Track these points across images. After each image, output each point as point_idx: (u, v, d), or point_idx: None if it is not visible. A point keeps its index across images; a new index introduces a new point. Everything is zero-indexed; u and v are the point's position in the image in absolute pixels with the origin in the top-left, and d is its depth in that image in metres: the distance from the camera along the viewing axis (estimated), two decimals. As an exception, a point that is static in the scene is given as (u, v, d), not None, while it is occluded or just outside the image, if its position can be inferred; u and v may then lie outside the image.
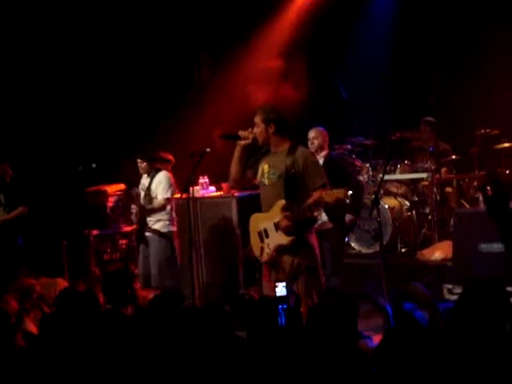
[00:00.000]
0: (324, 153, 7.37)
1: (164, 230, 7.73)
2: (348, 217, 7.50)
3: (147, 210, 7.74)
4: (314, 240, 5.86)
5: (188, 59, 10.78)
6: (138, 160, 7.89)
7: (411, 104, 9.97)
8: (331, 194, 5.60)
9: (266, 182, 5.88)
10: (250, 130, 5.86)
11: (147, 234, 7.75)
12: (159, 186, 7.73)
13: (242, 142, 5.87)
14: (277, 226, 5.75)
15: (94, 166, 8.76)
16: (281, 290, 4.42)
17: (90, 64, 10.03)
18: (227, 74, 10.26)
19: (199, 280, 7.48)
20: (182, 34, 10.46)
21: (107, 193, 9.28)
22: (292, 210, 5.69)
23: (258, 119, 5.84)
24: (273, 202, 5.78)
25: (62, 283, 7.31)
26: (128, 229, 9.10)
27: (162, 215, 7.75)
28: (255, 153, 6.07)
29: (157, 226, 7.72)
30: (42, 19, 9.65)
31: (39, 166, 9.58)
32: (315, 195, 5.69)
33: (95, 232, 9.13)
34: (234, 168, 6.00)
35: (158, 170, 7.83)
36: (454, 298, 6.78)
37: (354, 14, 10.38)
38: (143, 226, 7.77)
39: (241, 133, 5.87)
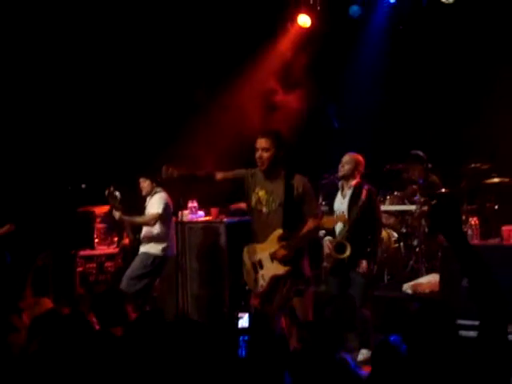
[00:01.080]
0: (353, 182, 6.86)
1: (151, 250, 7.67)
2: (364, 264, 6.73)
3: (136, 223, 7.71)
4: (306, 265, 5.87)
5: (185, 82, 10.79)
6: (141, 179, 7.83)
7: (404, 135, 10.03)
8: (331, 220, 5.59)
9: (264, 209, 5.84)
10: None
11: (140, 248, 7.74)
12: (154, 202, 7.71)
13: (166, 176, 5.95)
14: (273, 257, 5.74)
15: (83, 186, 8.75)
16: (244, 321, 4.39)
17: (85, 84, 10.04)
18: (223, 100, 10.28)
19: (184, 305, 7.44)
20: (181, 58, 10.47)
21: (95, 214, 9.26)
22: (288, 240, 5.68)
23: (268, 143, 5.77)
24: (271, 231, 5.76)
25: (47, 303, 7.26)
26: (115, 250, 9.07)
27: (154, 235, 7.69)
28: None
29: (148, 247, 7.69)
30: (44, 35, 9.67)
31: (29, 184, 9.55)
32: (310, 223, 5.69)
33: (82, 252, 9.09)
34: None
35: (158, 192, 7.80)
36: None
37: (347, 47, 10.43)
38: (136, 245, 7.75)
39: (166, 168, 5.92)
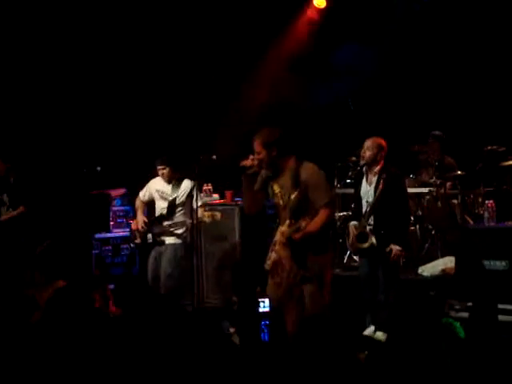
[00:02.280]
0: (378, 167, 6.73)
1: (180, 239, 7.68)
2: (396, 248, 6.62)
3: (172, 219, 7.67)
4: (314, 261, 5.75)
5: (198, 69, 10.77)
6: (160, 166, 7.75)
7: (419, 117, 9.97)
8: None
9: (281, 202, 5.86)
10: (251, 157, 5.82)
11: (165, 239, 7.69)
12: (185, 195, 7.67)
13: (249, 172, 5.85)
14: (279, 237, 5.81)
15: (98, 169, 8.76)
16: (264, 305, 4.38)
17: (99, 67, 10.05)
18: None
19: (199, 286, 7.46)
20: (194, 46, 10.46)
21: (111, 196, 9.28)
22: (291, 228, 5.71)
23: (258, 146, 5.78)
24: (285, 221, 5.81)
25: (62, 285, 7.30)
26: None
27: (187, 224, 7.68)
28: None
29: (176, 234, 7.68)
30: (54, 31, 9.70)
31: (44, 167, 9.59)
32: (321, 214, 5.66)
33: (97, 235, 9.13)
34: (245, 197, 6.05)
35: (181, 178, 7.77)
36: (456, 314, 6.76)
37: (362, 27, 10.35)
38: (158, 231, 7.70)
39: (244, 163, 5.85)
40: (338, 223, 9.11)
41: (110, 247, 9.21)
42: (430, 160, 9.11)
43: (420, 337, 3.70)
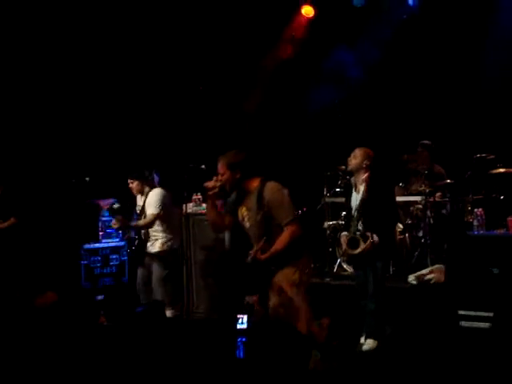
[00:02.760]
0: (364, 176, 6.78)
1: (163, 248, 7.67)
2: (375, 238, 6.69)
3: (137, 228, 7.68)
4: (291, 272, 5.79)
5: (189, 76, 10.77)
6: (129, 180, 7.78)
7: (408, 126, 10.01)
8: None
9: (247, 224, 5.94)
10: (215, 178, 5.88)
11: (149, 251, 7.69)
12: (151, 202, 7.69)
13: (210, 193, 5.90)
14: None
15: (87, 179, 8.75)
16: (243, 322, 4.39)
17: (89, 78, 10.04)
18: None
19: (189, 295, 7.45)
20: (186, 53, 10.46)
21: (100, 207, 9.25)
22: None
23: (221, 167, 5.85)
24: (256, 242, 5.84)
25: (52, 296, 7.28)
26: (119, 243, 9.08)
27: (158, 233, 7.68)
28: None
29: (155, 246, 7.67)
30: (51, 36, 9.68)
31: (34, 177, 9.56)
32: (284, 233, 5.72)
33: (86, 245, 9.10)
34: (210, 216, 6.07)
35: (152, 188, 7.78)
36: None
37: (350, 36, 10.39)
38: (142, 243, 7.70)
39: (207, 184, 5.90)
40: (328, 232, 9.12)
41: (99, 257, 9.17)
42: (419, 169, 9.13)
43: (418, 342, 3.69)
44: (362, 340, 6.75)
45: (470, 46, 9.73)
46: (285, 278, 5.76)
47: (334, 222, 9.13)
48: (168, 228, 7.71)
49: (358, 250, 6.63)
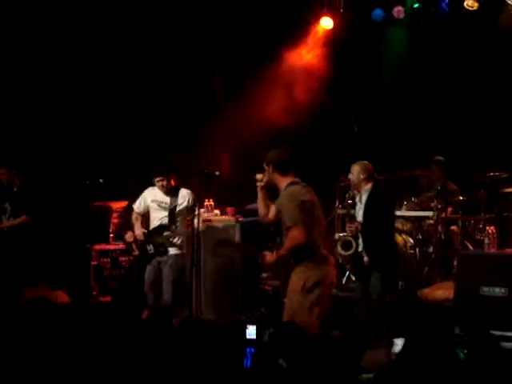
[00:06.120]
0: (367, 186, 7.19)
1: (181, 249, 7.70)
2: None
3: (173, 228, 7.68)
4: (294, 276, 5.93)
5: (204, 79, 10.77)
6: (158, 178, 7.72)
7: (423, 142, 10.00)
8: None
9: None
10: (266, 172, 6.11)
11: (167, 249, 7.69)
12: (185, 204, 7.71)
13: (258, 184, 6.14)
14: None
15: (101, 181, 8.78)
16: (251, 332, 4.40)
17: (102, 78, 10.08)
18: (241, 96, 10.26)
19: (197, 301, 7.45)
20: (200, 54, 10.47)
21: (112, 209, 9.28)
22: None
23: (264, 164, 6.10)
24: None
25: (62, 296, 7.31)
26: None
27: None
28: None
29: (177, 244, 7.69)
30: (53, 36, 9.72)
31: (47, 177, 9.59)
32: (288, 238, 5.87)
33: (97, 247, 9.12)
34: (259, 207, 6.26)
35: (177, 187, 7.80)
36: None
37: (368, 50, 10.40)
38: (159, 241, 7.69)
39: (257, 176, 6.14)
40: (339, 243, 9.09)
41: (109, 259, 9.19)
42: (432, 185, 9.12)
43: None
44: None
45: (483, 61, 9.73)
46: (292, 281, 5.91)
47: (345, 233, 9.11)
48: None
49: (350, 252, 7.12)
